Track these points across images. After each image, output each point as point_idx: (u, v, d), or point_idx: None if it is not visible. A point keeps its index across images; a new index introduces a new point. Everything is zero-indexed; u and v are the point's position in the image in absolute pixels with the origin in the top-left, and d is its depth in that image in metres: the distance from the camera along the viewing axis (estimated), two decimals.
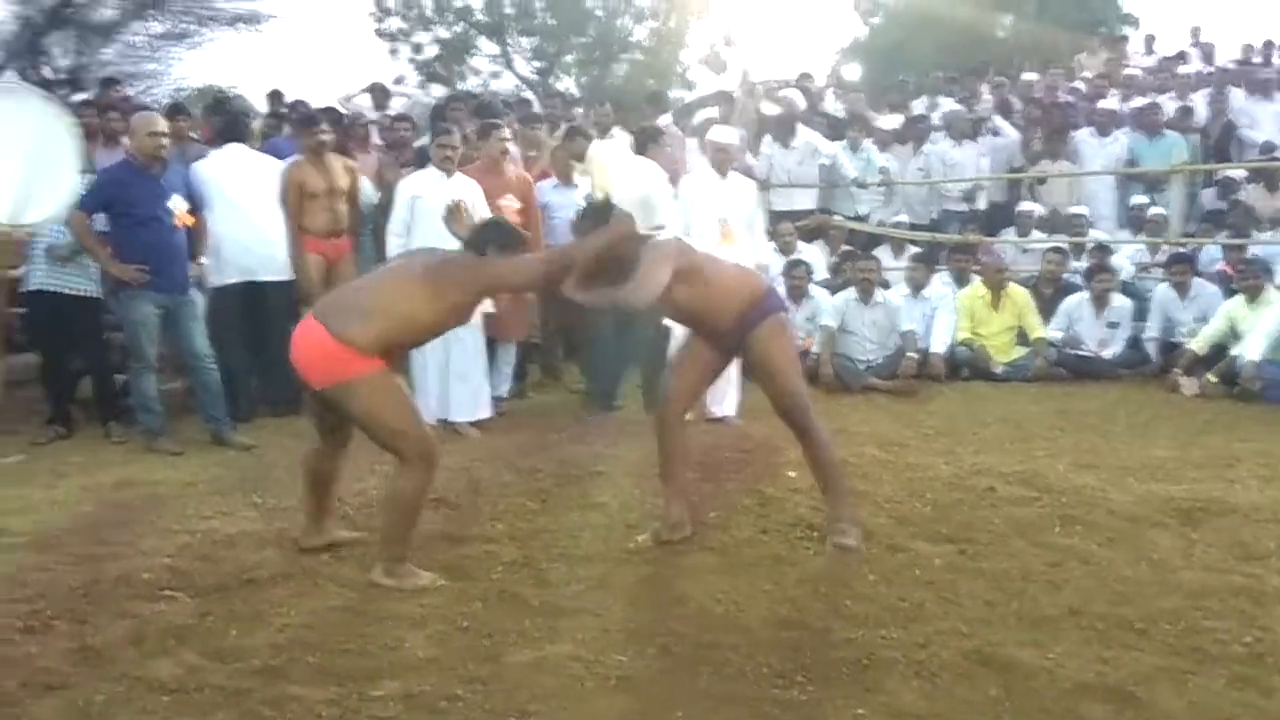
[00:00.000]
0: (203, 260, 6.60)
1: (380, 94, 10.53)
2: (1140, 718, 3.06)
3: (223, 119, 7.68)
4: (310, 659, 3.41)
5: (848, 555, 4.21)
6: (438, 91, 22.19)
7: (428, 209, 6.29)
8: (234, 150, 7.15)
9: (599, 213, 4.35)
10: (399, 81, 21.60)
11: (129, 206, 6.11)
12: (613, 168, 6.43)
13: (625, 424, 6.49)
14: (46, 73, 20.55)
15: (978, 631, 3.58)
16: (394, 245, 6.52)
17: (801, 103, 10.34)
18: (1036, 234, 9.65)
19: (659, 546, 4.39)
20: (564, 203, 7.38)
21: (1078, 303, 8.41)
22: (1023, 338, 8.37)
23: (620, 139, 8.03)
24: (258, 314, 7.01)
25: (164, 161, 6.23)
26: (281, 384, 7.09)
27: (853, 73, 19.53)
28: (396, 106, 10.58)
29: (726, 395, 6.52)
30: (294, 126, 7.46)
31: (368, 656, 3.44)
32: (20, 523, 4.78)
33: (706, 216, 6.67)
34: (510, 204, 6.76)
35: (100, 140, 7.94)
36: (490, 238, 4.16)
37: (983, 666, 3.34)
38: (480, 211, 6.43)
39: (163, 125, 6.27)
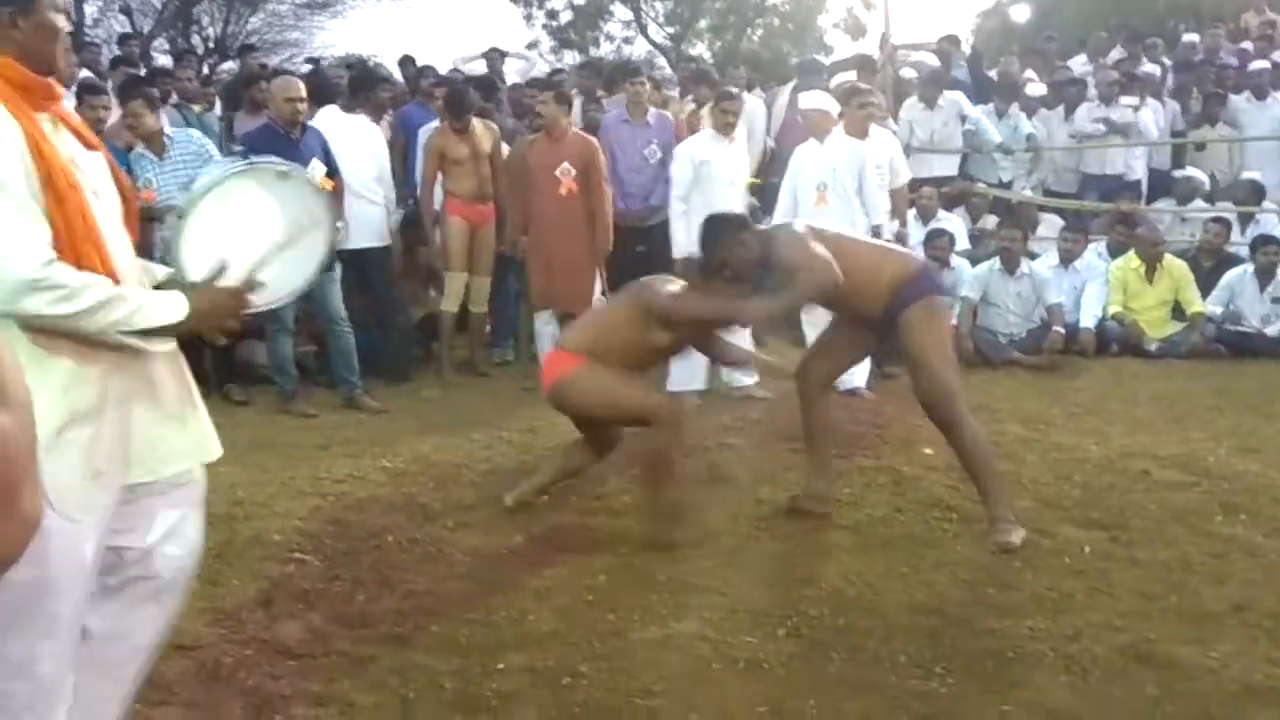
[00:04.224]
0: (339, 224, 6.64)
1: (496, 60, 10.45)
2: None
3: (313, 81, 7.35)
4: (435, 628, 3.38)
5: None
6: (569, 58, 22.23)
7: (711, 174, 6.51)
8: (328, 114, 6.95)
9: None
10: (532, 46, 21.69)
11: None
12: None
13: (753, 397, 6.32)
14: (195, 41, 21.25)
15: (1133, 626, 3.36)
16: (677, 210, 6.58)
17: (934, 62, 9.94)
18: (1198, 203, 9.11)
19: (789, 523, 4.24)
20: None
21: (1240, 276, 7.90)
22: (1178, 312, 7.90)
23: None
24: (360, 283, 6.90)
25: (303, 126, 6.29)
26: (389, 352, 7.10)
27: (1009, 33, 18.62)
28: (512, 71, 10.50)
29: (857, 367, 6.31)
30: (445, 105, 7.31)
31: (492, 628, 3.40)
32: None
33: (807, 183, 6.61)
34: (566, 173, 6.55)
35: (245, 108, 8.04)
36: (705, 245, 4.26)
37: (1139, 664, 3.13)
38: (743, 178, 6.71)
39: (300, 90, 6.31)
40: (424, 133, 7.27)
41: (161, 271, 2.43)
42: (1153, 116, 9.61)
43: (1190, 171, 9.29)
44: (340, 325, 6.39)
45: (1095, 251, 8.35)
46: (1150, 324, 7.80)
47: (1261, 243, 7.87)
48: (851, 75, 9.16)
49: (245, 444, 5.48)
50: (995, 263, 7.73)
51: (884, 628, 3.36)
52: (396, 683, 3.08)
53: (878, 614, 3.45)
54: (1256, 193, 8.86)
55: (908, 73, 9.82)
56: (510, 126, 8.26)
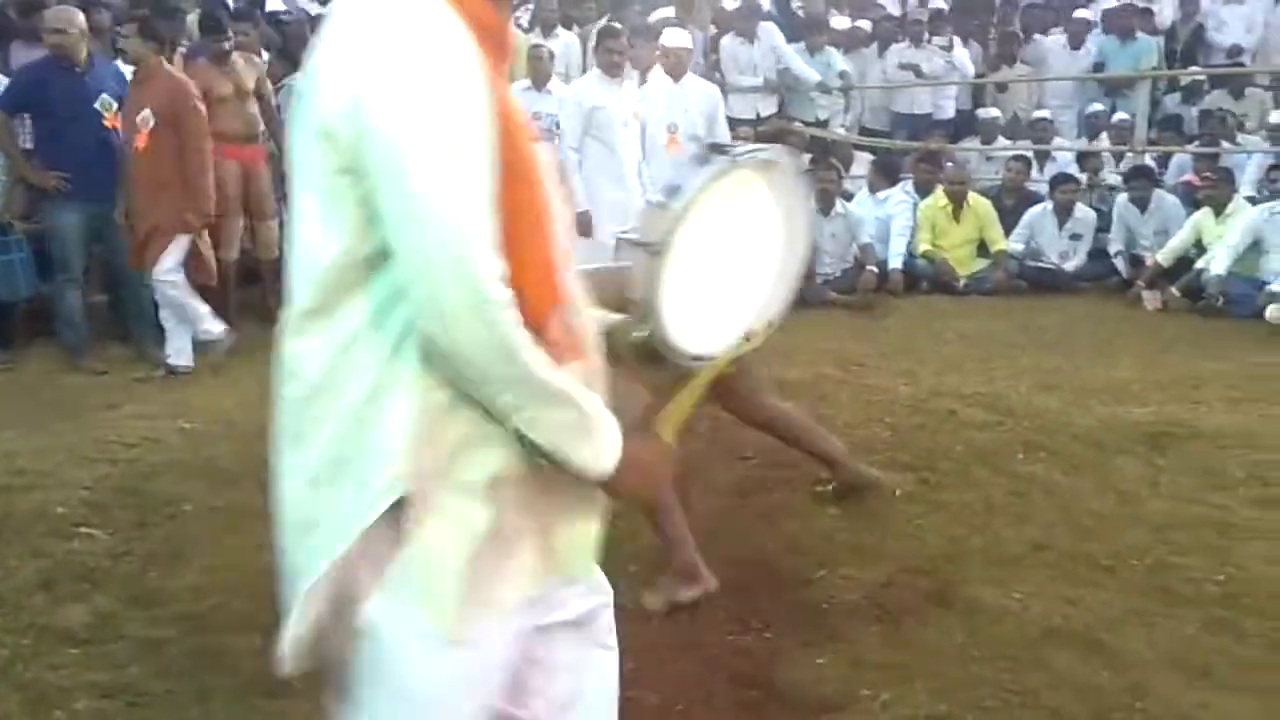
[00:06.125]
0: None
1: None
2: (1110, 664, 2.92)
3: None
4: (235, 605, 3.19)
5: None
6: None
7: (607, 119, 6.17)
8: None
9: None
10: None
11: (49, 106, 5.78)
12: None
13: None
14: None
15: (940, 570, 3.42)
16: (572, 160, 6.22)
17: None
18: (1002, 141, 9.40)
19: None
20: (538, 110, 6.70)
21: (1040, 213, 8.21)
22: (984, 249, 8.18)
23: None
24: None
25: (86, 58, 5.83)
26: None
27: None
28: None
29: None
30: (201, 32, 6.87)
31: None
32: None
33: (658, 121, 6.47)
34: (145, 122, 5.76)
35: (24, 38, 7.36)
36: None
37: (946, 609, 3.19)
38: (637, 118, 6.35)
39: (71, 22, 5.81)
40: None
41: None
42: (967, 55, 9.86)
43: (992, 111, 9.57)
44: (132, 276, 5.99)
45: (904, 189, 8.53)
46: (958, 261, 8.05)
47: (1060, 181, 8.20)
48: (669, 11, 9.05)
49: (26, 405, 5.12)
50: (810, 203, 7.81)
51: None
52: (192, 667, 2.90)
53: None
54: (1048, 131, 9.22)
55: (730, 2, 9.76)
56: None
